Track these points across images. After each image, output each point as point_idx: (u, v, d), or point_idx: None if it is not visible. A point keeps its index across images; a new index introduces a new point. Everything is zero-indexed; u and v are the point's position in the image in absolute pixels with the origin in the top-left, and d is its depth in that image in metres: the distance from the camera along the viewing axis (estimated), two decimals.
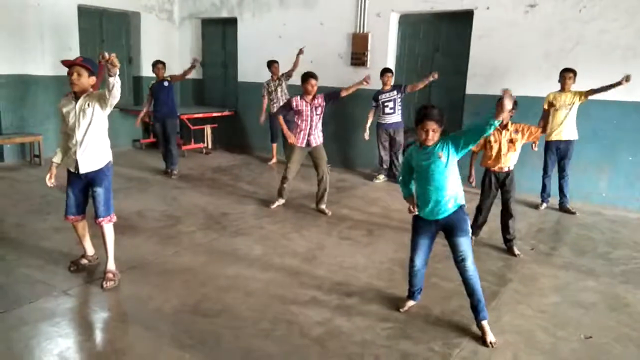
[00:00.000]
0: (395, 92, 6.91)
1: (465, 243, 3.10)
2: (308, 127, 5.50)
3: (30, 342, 2.93)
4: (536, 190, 6.12)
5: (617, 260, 4.52)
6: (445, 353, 2.95)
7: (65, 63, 3.51)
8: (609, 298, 3.75)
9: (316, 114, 5.51)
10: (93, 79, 3.53)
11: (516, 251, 4.53)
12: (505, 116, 4.08)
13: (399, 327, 3.21)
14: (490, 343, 3.02)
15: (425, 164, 3.08)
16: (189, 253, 4.34)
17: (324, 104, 5.54)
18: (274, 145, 8.36)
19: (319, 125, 5.60)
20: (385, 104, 6.97)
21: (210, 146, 9.30)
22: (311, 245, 4.63)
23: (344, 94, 5.53)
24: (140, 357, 2.81)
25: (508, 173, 4.45)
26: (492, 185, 4.50)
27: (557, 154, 5.84)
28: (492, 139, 4.36)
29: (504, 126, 4.36)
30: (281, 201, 5.80)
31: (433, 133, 3.01)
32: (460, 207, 3.14)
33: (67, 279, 3.72)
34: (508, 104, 2.83)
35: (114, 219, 3.72)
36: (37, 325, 3.10)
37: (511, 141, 4.36)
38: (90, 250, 3.94)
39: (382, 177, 7.29)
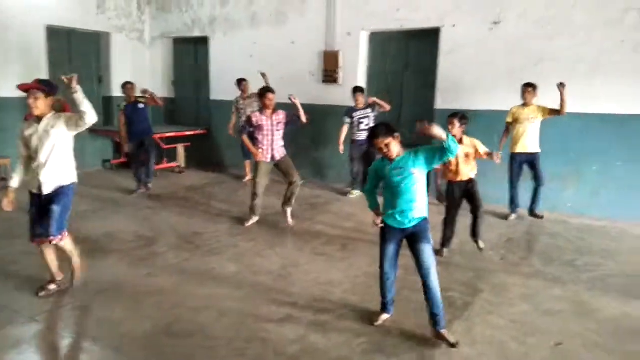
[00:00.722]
0: (369, 110, 7.01)
1: (428, 250, 3.21)
2: (270, 141, 5.58)
3: None
4: (504, 201, 6.27)
5: (584, 267, 4.65)
6: None
7: (21, 88, 3.49)
8: (577, 305, 3.85)
9: (277, 129, 5.60)
10: (51, 100, 3.50)
11: (481, 245, 4.77)
12: (456, 132, 4.48)
13: (374, 342, 3.23)
14: (457, 343, 3.15)
15: (397, 179, 3.18)
16: (162, 274, 4.28)
17: (285, 121, 5.64)
18: (247, 162, 8.34)
19: (281, 141, 5.69)
20: (361, 120, 7.05)
21: (183, 165, 9.22)
22: (285, 262, 4.63)
23: (304, 120, 5.65)
24: None
25: (469, 181, 4.67)
26: (456, 194, 4.71)
27: (519, 167, 6.03)
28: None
29: (458, 140, 4.54)
30: (255, 218, 5.79)
31: (389, 146, 3.14)
32: (426, 218, 3.28)
33: (34, 305, 3.62)
34: (433, 131, 2.97)
35: (66, 236, 3.67)
36: (4, 354, 3.01)
37: (466, 155, 4.61)
38: (58, 274, 3.85)
39: (355, 192, 7.34)
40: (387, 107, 6.90)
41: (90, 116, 3.44)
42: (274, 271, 4.40)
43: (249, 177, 8.29)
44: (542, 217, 6.08)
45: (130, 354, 3.03)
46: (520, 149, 5.94)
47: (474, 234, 4.79)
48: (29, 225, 3.65)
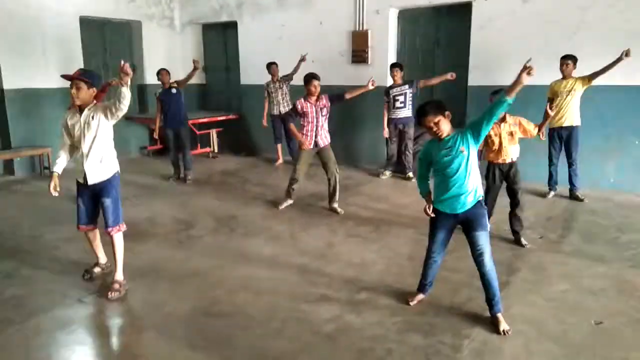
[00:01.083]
0: (407, 87, 6.90)
1: (483, 237, 3.09)
2: (315, 128, 5.50)
3: (48, 350, 3.01)
4: (544, 178, 6.11)
5: (627, 245, 4.51)
6: (456, 344, 2.97)
7: (65, 77, 3.57)
8: (619, 283, 3.75)
9: (322, 115, 5.50)
10: (93, 91, 3.57)
11: (523, 242, 4.53)
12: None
13: (409, 321, 3.24)
14: (504, 331, 3.05)
15: (446, 159, 3.05)
16: (200, 257, 4.40)
17: (329, 104, 5.53)
18: (279, 145, 8.40)
19: (325, 125, 5.60)
20: (396, 97, 6.97)
21: (216, 150, 9.37)
22: (319, 244, 4.67)
23: (348, 96, 5.50)
24: None
25: (511, 164, 4.44)
26: (497, 178, 4.49)
27: (559, 142, 5.83)
28: (492, 132, 4.34)
29: (502, 119, 4.35)
30: (289, 202, 5.84)
31: (438, 125, 3.02)
32: (479, 202, 3.12)
33: (81, 288, 3.79)
34: (526, 79, 2.89)
35: (124, 228, 3.77)
36: (54, 334, 3.17)
37: (511, 134, 4.37)
38: (102, 258, 4.01)
39: (388, 172, 7.30)
40: (448, 77, 6.62)
41: (126, 107, 3.49)
42: (308, 252, 4.45)
43: (280, 161, 8.36)
44: (582, 200, 5.82)
45: (172, 334, 3.14)
46: (559, 123, 5.75)
47: (514, 225, 4.54)
48: (76, 213, 3.78)
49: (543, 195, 6.04)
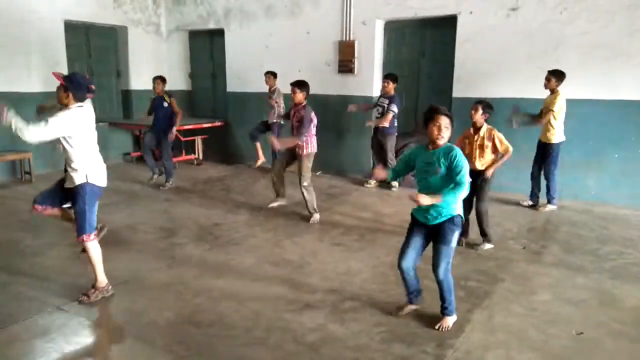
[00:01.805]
0: (387, 101, 6.93)
1: (443, 251, 3.14)
2: (293, 132, 5.61)
3: (26, 359, 2.93)
4: (525, 190, 6.19)
5: (607, 256, 4.58)
6: (439, 354, 2.98)
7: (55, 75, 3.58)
8: (600, 294, 3.81)
9: (296, 124, 5.55)
10: (68, 95, 3.55)
11: (487, 246, 4.71)
12: (477, 119, 4.48)
13: (393, 331, 3.24)
14: (440, 327, 3.23)
15: (425, 170, 3.12)
16: (182, 265, 4.35)
17: (300, 119, 5.48)
18: (257, 144, 8.19)
19: (302, 135, 5.48)
20: (377, 107, 7.04)
21: (201, 157, 9.31)
22: (303, 252, 4.65)
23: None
24: None
25: (479, 173, 4.52)
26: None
27: (540, 155, 5.95)
28: (467, 140, 4.57)
29: (477, 128, 4.51)
30: (279, 200, 6.08)
31: (445, 129, 3.06)
32: (452, 217, 3.14)
33: (60, 295, 3.71)
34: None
35: (92, 237, 3.63)
36: (32, 342, 3.10)
37: (481, 147, 4.50)
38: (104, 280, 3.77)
39: (373, 182, 7.33)
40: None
41: (28, 136, 3.33)
42: (292, 261, 4.43)
43: (261, 160, 8.26)
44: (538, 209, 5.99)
45: (153, 342, 3.09)
46: (560, 137, 5.83)
47: (483, 233, 4.71)
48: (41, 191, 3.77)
49: (526, 206, 6.12)
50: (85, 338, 3.28)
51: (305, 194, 5.58)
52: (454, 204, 3.14)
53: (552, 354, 2.98)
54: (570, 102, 5.80)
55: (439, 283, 3.22)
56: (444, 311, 3.29)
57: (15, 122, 3.26)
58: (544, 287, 3.94)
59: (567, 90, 5.75)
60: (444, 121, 3.05)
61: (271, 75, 7.83)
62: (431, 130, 3.09)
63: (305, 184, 5.55)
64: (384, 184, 7.21)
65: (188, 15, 9.54)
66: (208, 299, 3.67)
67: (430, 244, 3.27)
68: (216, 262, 4.40)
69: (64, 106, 3.58)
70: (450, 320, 3.28)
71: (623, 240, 4.98)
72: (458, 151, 3.08)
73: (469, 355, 2.97)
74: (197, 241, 4.95)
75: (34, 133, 3.32)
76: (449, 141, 3.16)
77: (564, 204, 6.12)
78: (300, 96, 5.45)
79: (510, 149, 4.49)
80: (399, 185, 7.08)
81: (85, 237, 3.60)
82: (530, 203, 6.14)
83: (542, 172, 5.98)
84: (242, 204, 6.35)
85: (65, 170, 3.65)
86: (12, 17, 7.51)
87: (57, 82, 3.64)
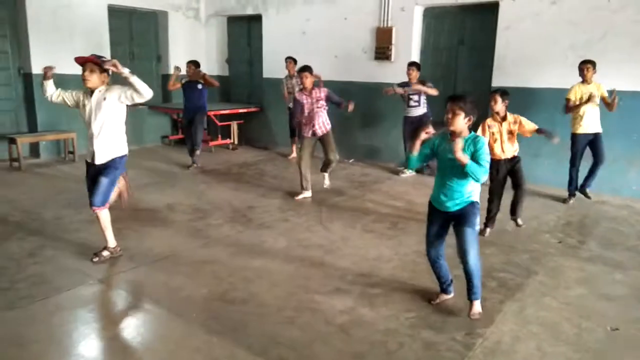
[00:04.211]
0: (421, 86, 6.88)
1: (468, 234, 3.10)
2: (312, 118, 5.73)
3: (69, 327, 3.09)
4: (562, 184, 6.04)
5: None
6: (468, 343, 2.97)
7: (78, 60, 3.67)
8: (637, 290, 3.71)
9: (317, 106, 5.70)
10: (105, 75, 3.68)
11: (519, 222, 4.76)
12: (499, 109, 4.46)
13: (422, 317, 3.25)
14: (472, 314, 3.19)
15: (450, 157, 3.07)
16: (217, 245, 4.46)
17: (325, 97, 5.74)
18: (294, 138, 8.41)
19: (323, 115, 5.79)
20: (411, 96, 6.97)
21: (236, 142, 9.45)
22: (335, 238, 4.70)
23: (342, 107, 5.74)
24: (174, 342, 2.93)
25: (513, 159, 4.59)
26: (500, 173, 4.62)
27: (583, 148, 5.72)
28: (494, 131, 4.52)
29: (503, 118, 4.52)
30: (306, 193, 5.96)
31: (453, 117, 3.04)
32: (472, 203, 3.16)
33: (102, 268, 3.89)
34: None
35: (107, 206, 3.88)
36: (75, 311, 3.26)
37: (510, 132, 4.53)
38: (112, 242, 4.05)
39: (407, 171, 7.29)
40: (433, 93, 6.72)
41: (147, 93, 3.59)
42: (323, 245, 4.48)
43: (293, 155, 8.41)
44: (589, 198, 5.82)
45: (188, 317, 3.20)
46: (582, 129, 5.66)
47: (513, 211, 4.77)
48: (88, 194, 3.88)
49: (562, 200, 5.97)
50: (124, 309, 3.43)
51: (334, 164, 5.99)
52: (476, 190, 3.16)
53: (585, 349, 2.94)
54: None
55: (469, 269, 3.15)
56: (472, 296, 3.22)
57: (131, 73, 3.55)
58: (579, 281, 3.86)
59: (614, 82, 5.55)
60: (455, 109, 3.04)
61: (292, 61, 8.03)
62: (445, 117, 3.11)
63: (337, 157, 5.99)
64: (421, 174, 7.18)
65: (227, 1, 9.63)
66: (241, 278, 3.76)
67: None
68: (250, 243, 4.50)
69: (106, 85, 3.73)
70: (478, 305, 3.24)
71: None
72: (484, 142, 3.10)
73: (499, 345, 2.96)
74: (231, 222, 5.06)
75: (145, 87, 3.60)
76: (474, 129, 3.16)
77: (603, 198, 5.94)
78: (311, 80, 5.70)
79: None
80: (428, 170, 7.03)
81: (106, 204, 3.85)
82: (574, 198, 5.97)
83: (593, 160, 5.79)
84: (275, 188, 6.44)
85: (88, 147, 3.78)
86: (59, 2, 7.76)
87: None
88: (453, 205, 3.16)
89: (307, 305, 3.36)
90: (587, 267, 4.14)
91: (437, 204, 3.27)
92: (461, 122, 3.05)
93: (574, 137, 5.73)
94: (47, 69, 3.81)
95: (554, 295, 3.60)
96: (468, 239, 3.10)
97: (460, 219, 3.16)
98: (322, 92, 5.74)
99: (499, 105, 4.43)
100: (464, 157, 2.94)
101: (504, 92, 4.46)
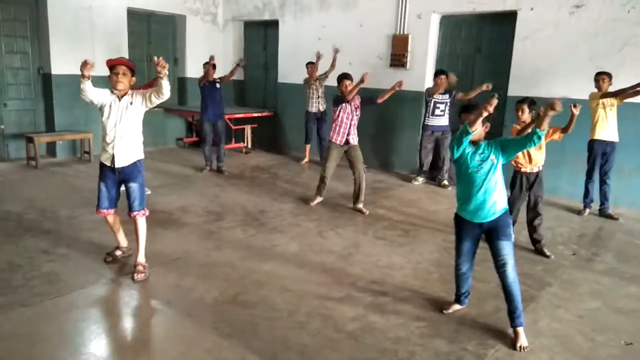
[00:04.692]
0: (447, 96, 6.86)
1: (507, 247, 3.04)
2: (349, 126, 5.61)
3: (81, 325, 3.12)
4: (577, 196, 5.97)
5: None
6: (480, 353, 2.95)
7: (110, 63, 3.70)
8: None
9: (356, 115, 5.63)
10: (134, 80, 3.73)
11: (547, 252, 4.51)
12: (526, 118, 4.30)
13: (433, 327, 3.23)
14: (521, 347, 2.98)
15: (477, 163, 3.04)
16: (229, 248, 4.48)
17: (360, 104, 5.65)
18: (307, 146, 8.46)
19: (356, 125, 5.69)
20: (437, 105, 6.90)
21: (250, 145, 9.50)
22: (347, 244, 4.69)
23: (379, 101, 5.58)
24: (184, 343, 2.95)
25: (537, 173, 4.47)
26: (523, 186, 4.50)
27: (599, 156, 5.66)
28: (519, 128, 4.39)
29: (529, 124, 4.37)
30: (319, 199, 5.91)
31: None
32: (505, 212, 3.11)
33: (115, 269, 3.92)
34: (557, 108, 2.84)
35: (147, 213, 3.88)
36: (88, 310, 3.30)
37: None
38: (123, 242, 4.10)
39: (420, 179, 7.26)
40: (484, 88, 6.52)
41: (168, 93, 3.64)
42: (335, 251, 4.48)
43: (306, 160, 8.42)
44: (617, 219, 5.67)
45: (199, 318, 3.21)
46: (600, 135, 5.60)
47: (534, 234, 4.57)
48: (97, 196, 3.84)
49: (577, 212, 5.90)
50: (135, 309, 3.45)
51: (364, 180, 5.77)
52: (504, 196, 3.11)
53: None
54: (633, 105, 5.54)
55: (508, 285, 3.02)
56: (516, 321, 3.03)
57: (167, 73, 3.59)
58: (594, 294, 3.81)
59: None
60: (464, 118, 3.05)
61: (313, 65, 8.04)
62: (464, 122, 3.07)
63: (365, 171, 5.81)
64: (435, 182, 7.14)
65: (244, 6, 9.71)
66: (253, 282, 3.77)
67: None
68: (261, 247, 4.51)
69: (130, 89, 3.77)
70: (523, 334, 3.03)
71: None
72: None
73: (511, 356, 2.93)
74: (243, 226, 5.08)
75: (169, 88, 3.66)
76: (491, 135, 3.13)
77: (619, 211, 5.85)
78: (352, 87, 5.54)
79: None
80: (449, 183, 6.99)
81: (145, 210, 3.85)
82: (589, 210, 5.90)
83: (602, 175, 5.73)
84: (288, 192, 6.46)
85: (106, 150, 3.75)
86: (79, 4, 7.89)
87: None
88: (485, 215, 3.07)
89: (318, 311, 3.36)
90: (602, 280, 4.08)
91: (468, 216, 3.16)
92: (481, 131, 3.04)
93: (591, 144, 5.66)
94: (86, 65, 3.59)
95: (568, 308, 3.56)
96: (506, 252, 3.03)
97: (495, 231, 3.07)
98: (358, 101, 5.64)
99: (526, 115, 4.34)
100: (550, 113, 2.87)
101: (532, 102, 4.34)
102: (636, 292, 3.86)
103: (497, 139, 3.12)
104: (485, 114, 2.86)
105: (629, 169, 5.96)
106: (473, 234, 3.19)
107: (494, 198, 3.05)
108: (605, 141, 5.60)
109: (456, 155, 3.06)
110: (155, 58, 3.48)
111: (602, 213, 5.78)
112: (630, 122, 5.66)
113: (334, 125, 5.66)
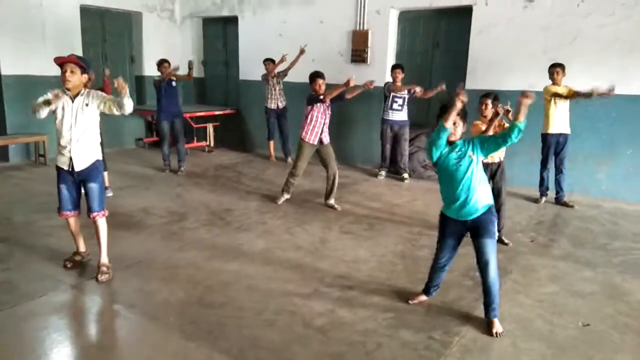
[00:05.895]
0: (406, 91, 6.94)
1: (490, 245, 3.07)
2: (322, 125, 5.57)
3: (41, 334, 3.01)
4: (534, 183, 6.18)
5: (616, 251, 4.58)
6: (446, 341, 3.01)
7: (57, 61, 3.57)
8: (607, 287, 3.82)
9: (328, 114, 5.60)
10: (86, 77, 3.60)
11: (505, 240, 4.64)
12: (489, 113, 4.34)
13: (400, 317, 3.28)
14: (496, 333, 3.07)
15: (455, 161, 3.05)
16: (193, 248, 4.42)
17: (330, 102, 5.58)
18: (271, 142, 8.41)
19: (328, 124, 5.66)
20: (396, 99, 6.98)
21: (212, 144, 9.37)
22: (313, 239, 4.70)
23: (348, 96, 5.59)
24: (150, 347, 2.89)
25: (499, 164, 4.55)
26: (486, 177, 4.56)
27: (553, 147, 5.87)
28: (483, 128, 4.41)
29: (490, 120, 4.44)
30: (286, 196, 5.88)
31: (456, 126, 3.05)
32: (489, 209, 3.13)
33: (75, 274, 3.80)
34: (527, 103, 2.91)
35: (106, 213, 3.81)
36: (47, 318, 3.18)
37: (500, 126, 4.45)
38: (82, 247, 3.99)
39: (384, 173, 7.34)
40: (439, 90, 6.61)
41: (130, 109, 3.56)
42: (302, 248, 4.48)
43: (272, 158, 8.39)
44: (572, 206, 5.88)
45: (165, 321, 3.16)
46: (553, 129, 5.80)
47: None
48: (58, 199, 3.75)
49: (534, 200, 6.11)
50: (98, 315, 3.37)
51: (336, 181, 5.70)
52: (487, 192, 3.14)
53: (558, 344, 3.01)
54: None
55: (489, 283, 3.08)
56: (491, 313, 3.13)
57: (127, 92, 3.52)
58: (551, 279, 3.95)
59: (583, 84, 5.70)
60: (456, 120, 3.07)
61: (270, 62, 8.02)
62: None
63: (337, 168, 5.72)
64: (397, 176, 7.23)
65: (202, 2, 9.55)
66: (219, 282, 3.73)
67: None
68: (227, 247, 4.46)
69: (86, 88, 3.65)
70: (498, 322, 3.12)
71: (633, 236, 4.97)
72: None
73: (475, 342, 3.01)
74: (208, 226, 5.01)
75: (132, 106, 3.57)
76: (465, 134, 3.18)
77: (574, 199, 6.09)
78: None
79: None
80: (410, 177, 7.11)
81: (105, 211, 3.78)
82: (545, 198, 6.12)
83: (558, 165, 5.94)
84: (252, 190, 6.41)
85: (63, 153, 3.65)
86: (29, 2, 7.58)
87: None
88: (469, 212, 3.08)
89: (285, 308, 3.35)
90: (559, 265, 4.24)
91: (451, 214, 3.17)
92: (460, 131, 3.10)
93: (545, 137, 5.87)
94: (55, 97, 3.52)
95: (527, 293, 3.68)
96: (489, 250, 3.07)
97: (479, 229, 3.09)
98: (327, 98, 5.52)
99: (489, 110, 4.37)
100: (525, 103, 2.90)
101: (495, 97, 4.38)
102: (591, 275, 4.03)
103: (474, 136, 3.15)
104: (459, 105, 2.88)
105: (582, 157, 6.21)
106: (457, 230, 3.22)
107: (477, 195, 3.07)
108: (558, 134, 5.82)
109: (435, 156, 3.06)
110: (115, 81, 3.46)
111: (558, 201, 6.01)
112: (583, 111, 5.89)
113: (307, 124, 5.57)
